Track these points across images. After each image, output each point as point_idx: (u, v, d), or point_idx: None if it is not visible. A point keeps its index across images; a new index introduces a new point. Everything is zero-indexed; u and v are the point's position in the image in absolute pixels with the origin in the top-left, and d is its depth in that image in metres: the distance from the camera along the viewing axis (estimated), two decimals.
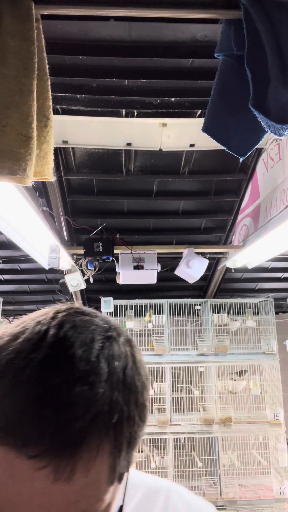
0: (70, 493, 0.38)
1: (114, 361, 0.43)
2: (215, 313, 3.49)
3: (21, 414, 0.37)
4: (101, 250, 2.30)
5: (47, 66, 0.99)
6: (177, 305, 3.53)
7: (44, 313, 0.46)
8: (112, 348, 0.44)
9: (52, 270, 2.40)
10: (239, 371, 3.41)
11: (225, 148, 1.11)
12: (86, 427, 0.38)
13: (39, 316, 0.46)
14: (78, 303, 3.62)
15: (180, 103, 1.50)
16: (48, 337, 0.42)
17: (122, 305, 3.47)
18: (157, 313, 3.46)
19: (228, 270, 3.07)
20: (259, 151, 2.17)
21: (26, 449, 0.37)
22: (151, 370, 3.40)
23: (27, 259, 2.54)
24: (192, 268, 2.45)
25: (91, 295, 3.58)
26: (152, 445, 3.23)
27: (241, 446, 3.33)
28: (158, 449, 3.23)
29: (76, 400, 0.38)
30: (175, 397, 3.36)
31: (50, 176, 1.03)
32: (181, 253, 2.52)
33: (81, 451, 0.38)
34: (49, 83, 1.00)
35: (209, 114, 1.10)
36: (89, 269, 2.48)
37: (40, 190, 2.08)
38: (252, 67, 0.95)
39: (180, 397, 3.38)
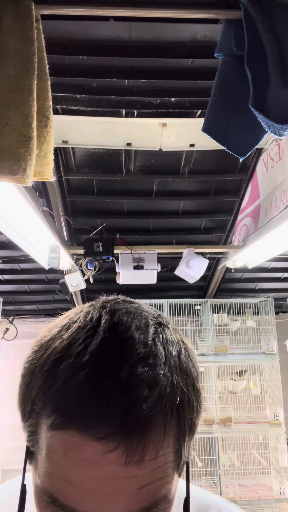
0: (141, 476, 0.37)
1: (169, 346, 0.43)
2: (215, 313, 3.49)
3: (86, 396, 0.37)
4: (101, 250, 2.30)
5: (47, 66, 0.99)
6: (177, 305, 3.53)
7: (91, 304, 0.47)
8: (165, 334, 0.44)
9: (52, 270, 2.39)
10: (239, 371, 3.41)
11: (225, 148, 1.11)
12: (153, 407, 0.37)
13: (87, 307, 0.47)
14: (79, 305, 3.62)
15: (180, 103, 1.50)
16: (103, 322, 0.42)
17: None
18: None
19: (228, 270, 3.06)
20: (259, 151, 2.17)
21: (95, 431, 0.36)
22: None
23: (27, 259, 2.54)
24: (192, 268, 2.45)
25: (91, 295, 3.57)
26: None
27: (241, 446, 3.33)
28: None
29: (141, 380, 0.38)
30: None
31: (50, 176, 1.03)
32: (181, 253, 2.52)
33: (150, 431, 0.37)
34: (49, 83, 1.00)
35: (209, 114, 1.10)
36: (89, 269, 2.48)
37: (40, 190, 2.08)
38: (252, 67, 0.95)
39: None
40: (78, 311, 0.46)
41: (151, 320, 0.45)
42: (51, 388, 0.39)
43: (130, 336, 0.41)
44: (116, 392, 0.37)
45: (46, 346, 0.43)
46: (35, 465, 0.42)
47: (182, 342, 0.46)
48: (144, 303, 0.50)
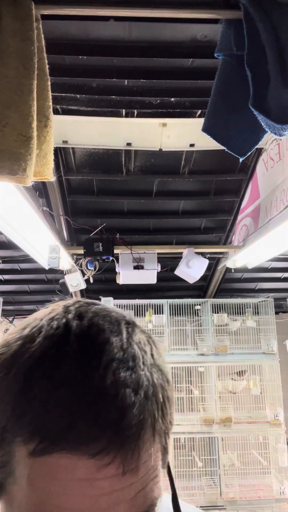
0: (137, 482, 0.36)
1: (142, 345, 0.42)
2: (215, 313, 3.49)
3: (72, 413, 0.34)
4: (101, 250, 2.30)
5: (47, 66, 0.99)
6: (177, 305, 3.53)
7: (51, 310, 0.43)
8: (136, 333, 0.43)
9: (52, 270, 2.39)
10: (239, 371, 3.41)
11: (225, 148, 1.11)
12: (142, 411, 0.36)
13: (48, 314, 0.43)
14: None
15: (180, 103, 1.50)
16: (73, 328, 0.39)
17: (122, 305, 3.47)
18: (157, 313, 3.46)
19: (228, 270, 3.06)
20: (259, 151, 2.17)
21: (87, 448, 0.34)
22: None
23: (27, 259, 2.54)
24: (192, 268, 2.45)
25: (91, 295, 3.57)
26: None
27: (241, 446, 3.33)
28: None
29: (126, 385, 0.36)
30: (175, 397, 3.35)
31: (50, 176, 1.03)
32: (181, 253, 2.52)
33: (143, 436, 0.37)
34: (49, 83, 1.00)
35: (209, 114, 1.10)
36: (89, 269, 2.48)
37: (40, 190, 2.08)
38: (252, 67, 0.95)
39: (180, 397, 3.38)
40: (39, 318, 0.42)
41: (122, 320, 0.43)
42: (27, 412, 0.35)
43: (106, 339, 0.39)
44: (104, 402, 0.35)
45: (8, 365, 0.38)
46: (10, 499, 0.37)
47: (150, 338, 0.45)
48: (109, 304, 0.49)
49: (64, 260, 2.33)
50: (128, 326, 0.43)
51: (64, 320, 0.40)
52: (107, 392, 0.35)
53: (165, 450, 0.41)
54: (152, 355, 0.42)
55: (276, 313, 3.65)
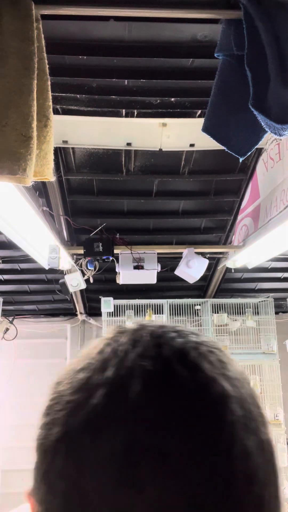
0: None
1: (245, 384, 0.31)
2: (215, 313, 3.49)
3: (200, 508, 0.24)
4: (101, 250, 2.30)
5: (47, 66, 0.99)
6: (177, 305, 3.53)
7: (134, 338, 0.30)
8: (232, 367, 0.31)
9: (52, 270, 2.39)
10: None
11: (225, 148, 1.11)
12: (268, 485, 0.27)
13: (131, 343, 0.30)
14: (79, 305, 3.62)
15: (180, 103, 1.50)
16: (178, 376, 0.27)
17: (122, 305, 3.47)
18: (157, 313, 3.46)
19: (228, 270, 3.06)
20: (259, 151, 2.17)
21: None
22: None
23: (27, 259, 2.54)
24: (192, 268, 2.45)
25: (91, 295, 3.57)
26: None
27: None
28: None
29: (257, 461, 0.27)
30: None
31: (50, 176, 1.03)
32: (181, 253, 2.52)
33: None
34: (49, 83, 1.00)
35: (209, 114, 1.10)
36: (89, 269, 2.48)
37: (40, 190, 2.08)
38: (252, 67, 0.95)
39: None
40: (103, 358, 0.29)
41: (217, 353, 0.31)
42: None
43: (224, 393, 0.27)
44: (234, 493, 0.25)
45: (97, 427, 0.26)
46: None
47: (233, 360, 0.33)
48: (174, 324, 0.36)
49: (64, 260, 2.33)
50: (225, 361, 0.31)
51: (161, 362, 0.28)
52: (237, 476, 0.26)
53: None
54: (251, 389, 0.31)
55: (276, 313, 3.65)
